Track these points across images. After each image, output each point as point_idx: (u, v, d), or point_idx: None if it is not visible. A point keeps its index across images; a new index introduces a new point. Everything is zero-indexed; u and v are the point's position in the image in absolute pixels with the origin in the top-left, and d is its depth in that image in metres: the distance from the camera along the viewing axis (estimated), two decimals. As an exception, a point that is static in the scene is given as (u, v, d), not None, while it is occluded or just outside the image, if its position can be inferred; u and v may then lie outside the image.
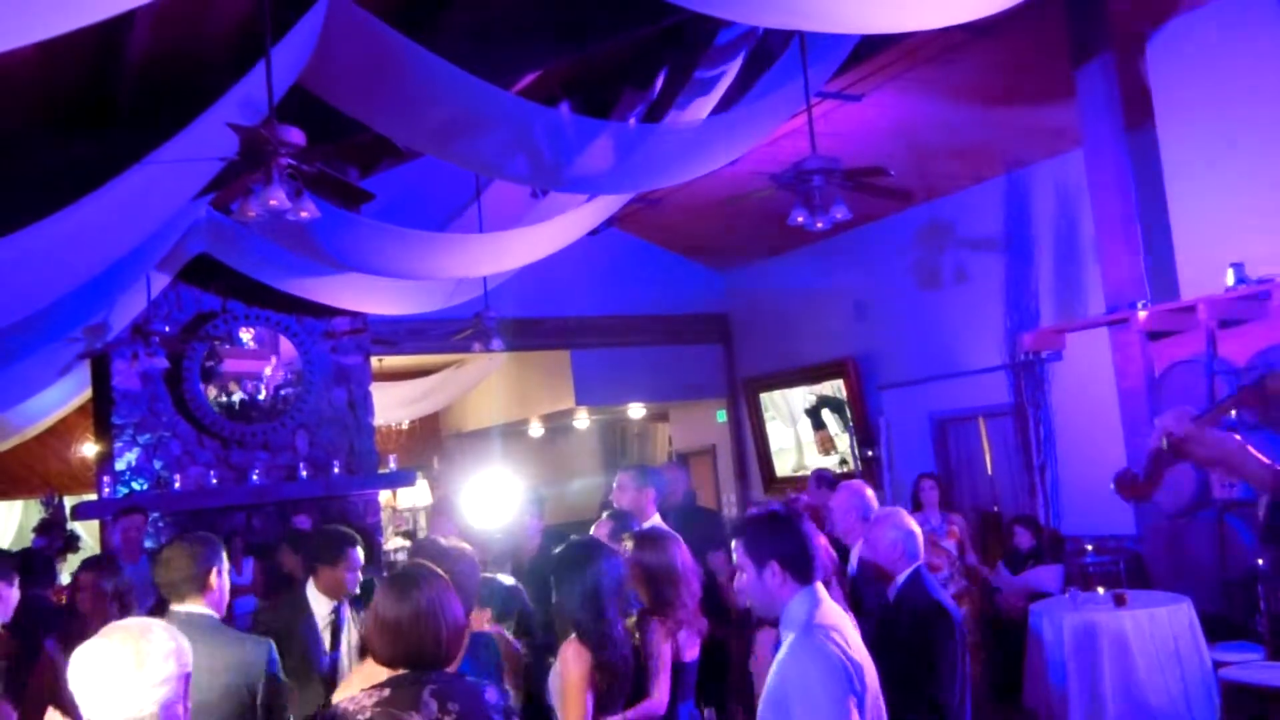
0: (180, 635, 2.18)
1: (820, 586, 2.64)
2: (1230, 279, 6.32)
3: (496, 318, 8.42)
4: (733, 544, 2.71)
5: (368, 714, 2.34)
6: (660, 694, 3.40)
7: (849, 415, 10.67)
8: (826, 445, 11.10)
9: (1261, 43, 6.51)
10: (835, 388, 10.84)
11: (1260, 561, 6.17)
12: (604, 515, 4.48)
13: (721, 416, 12.77)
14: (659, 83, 7.81)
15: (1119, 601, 5.88)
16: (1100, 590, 6.17)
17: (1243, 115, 6.58)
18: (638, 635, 3.40)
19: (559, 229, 7.99)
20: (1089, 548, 7.25)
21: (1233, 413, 1.80)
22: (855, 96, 7.82)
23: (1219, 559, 6.69)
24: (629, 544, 3.59)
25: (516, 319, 10.43)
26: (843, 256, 10.64)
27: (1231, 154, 6.62)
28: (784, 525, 2.65)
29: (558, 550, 3.48)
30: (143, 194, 4.98)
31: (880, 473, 10.00)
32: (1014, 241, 8.77)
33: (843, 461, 10.81)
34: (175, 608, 3.22)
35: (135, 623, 2.24)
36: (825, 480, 7.26)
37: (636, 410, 13.62)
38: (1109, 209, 7.03)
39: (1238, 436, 1.77)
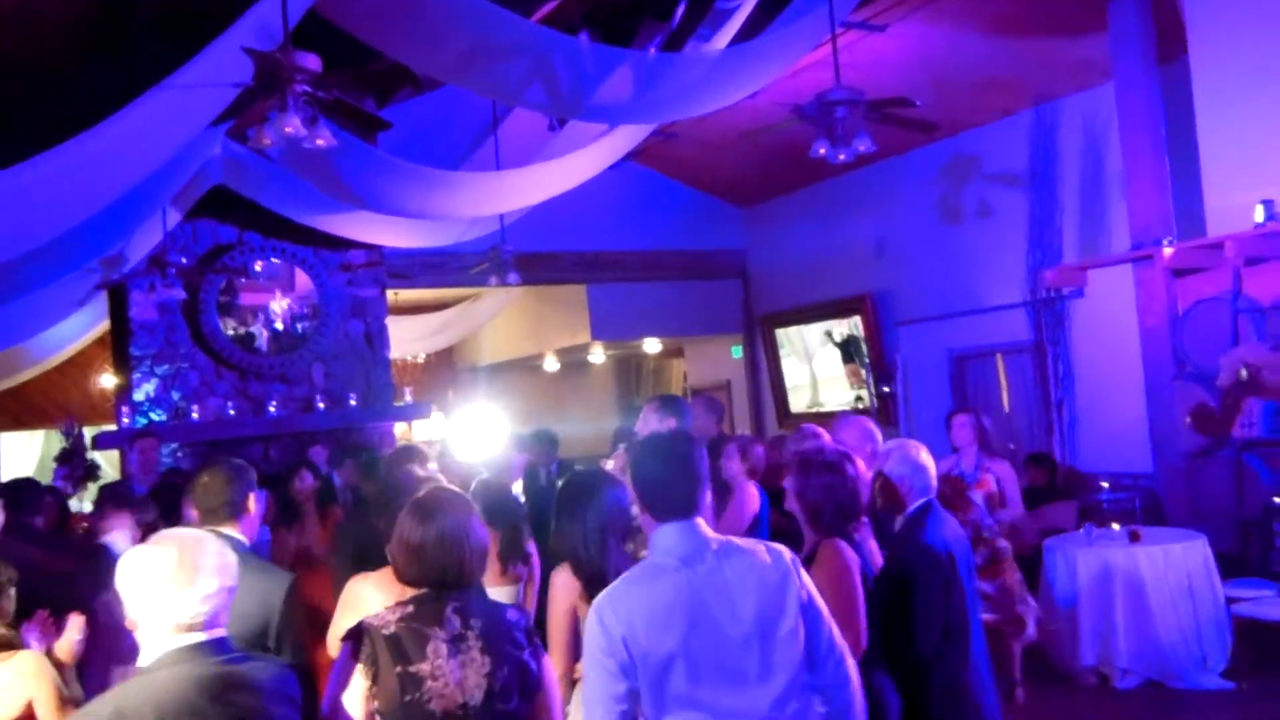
0: (229, 550, 2.25)
1: (696, 525, 2.45)
2: (1260, 215, 6.22)
3: (513, 251, 8.37)
4: None
5: (392, 629, 2.42)
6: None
7: (865, 351, 10.63)
8: (857, 379, 11.03)
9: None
10: (853, 324, 10.79)
11: (1277, 499, 6.17)
12: (621, 448, 4.48)
13: (737, 352, 12.75)
14: (679, 12, 7.67)
15: (1134, 538, 5.89)
16: (1115, 527, 6.17)
17: (1278, 49, 6.41)
18: None
19: (575, 165, 7.90)
20: (1105, 485, 7.25)
21: None
22: (879, 27, 7.65)
23: (1236, 497, 6.68)
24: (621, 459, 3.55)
25: (533, 253, 10.36)
26: (863, 192, 10.53)
27: (1266, 89, 6.46)
28: (655, 456, 2.49)
29: (562, 482, 3.48)
30: (158, 119, 4.93)
31: (896, 410, 9.98)
32: (1039, 177, 8.63)
33: (859, 399, 10.80)
34: (212, 529, 3.25)
35: (189, 533, 2.31)
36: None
37: (652, 345, 13.62)
38: (1138, 144, 6.91)
39: None
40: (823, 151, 5.83)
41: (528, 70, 6.30)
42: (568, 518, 3.27)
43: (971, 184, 9.42)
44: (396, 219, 8.18)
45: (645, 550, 3.40)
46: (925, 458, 3.52)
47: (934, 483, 3.52)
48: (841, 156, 5.85)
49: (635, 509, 2.62)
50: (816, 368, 11.54)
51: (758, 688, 2.36)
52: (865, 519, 3.49)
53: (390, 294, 9.99)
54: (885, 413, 9.97)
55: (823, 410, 11.08)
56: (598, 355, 14.20)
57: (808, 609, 2.46)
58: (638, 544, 3.33)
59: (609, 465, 4.41)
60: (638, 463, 2.52)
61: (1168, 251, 6.50)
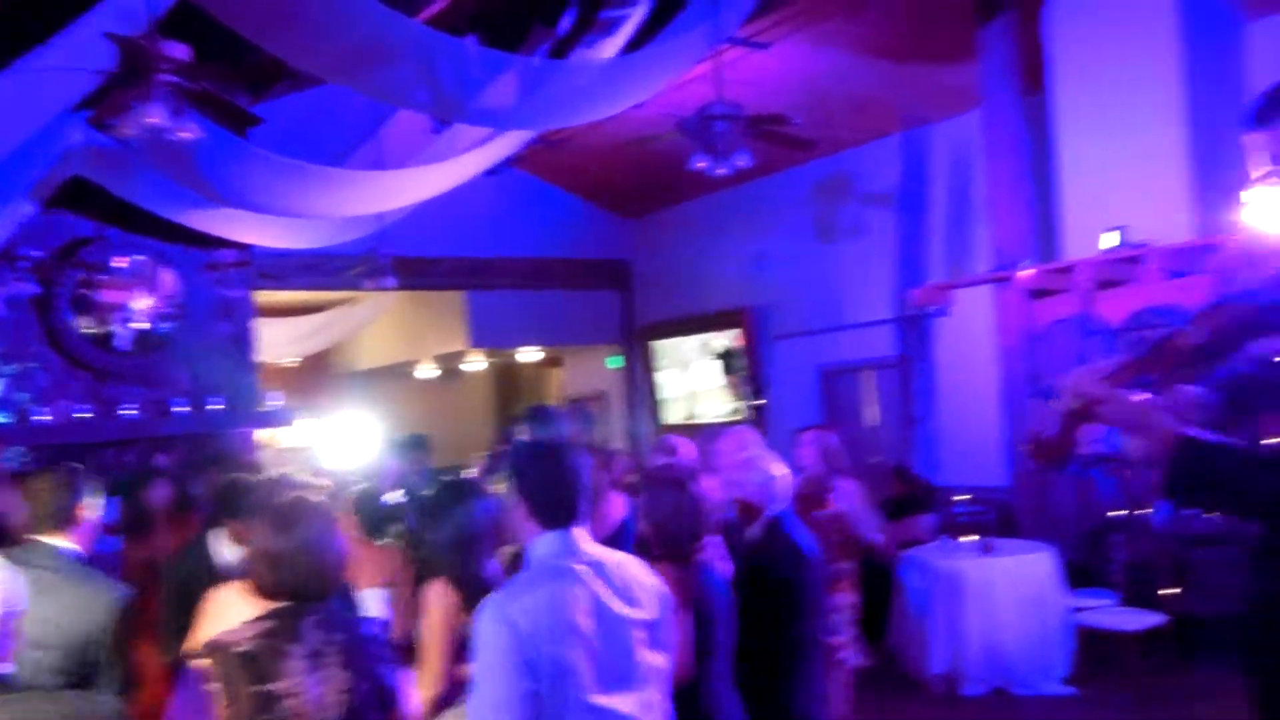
0: (16, 576, 2.10)
1: (578, 534, 2.46)
2: (1109, 242, 6.57)
3: (390, 255, 8.23)
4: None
5: (246, 646, 2.32)
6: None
7: (743, 365, 10.81)
8: (737, 392, 11.17)
9: (1154, 12, 6.72)
10: (731, 337, 10.96)
11: (1122, 513, 6.51)
12: (485, 455, 4.45)
13: (614, 362, 12.80)
14: (567, 20, 7.68)
15: (986, 549, 6.13)
16: (970, 539, 6.41)
17: (1132, 85, 6.79)
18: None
19: (457, 168, 7.82)
20: (962, 498, 7.53)
21: (1138, 372, 1.81)
22: (763, 45, 7.82)
23: (1082, 510, 7.02)
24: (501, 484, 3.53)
25: (411, 257, 10.20)
26: (744, 207, 10.72)
27: (1120, 123, 6.84)
28: (543, 462, 2.49)
29: (429, 491, 3.44)
30: (10, 103, 4.68)
31: (768, 422, 10.18)
32: (908, 198, 8.95)
33: (735, 410, 10.97)
34: (40, 539, 3.08)
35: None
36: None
37: (531, 354, 13.56)
38: (1001, 170, 7.23)
39: (1147, 399, 1.80)
40: (702, 165, 5.94)
41: (411, 71, 6.20)
42: (438, 528, 3.22)
43: (845, 203, 9.70)
44: (268, 217, 7.94)
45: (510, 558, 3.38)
46: (779, 468, 3.61)
47: (787, 497, 3.61)
48: (721, 170, 5.98)
49: (509, 517, 2.57)
50: (695, 380, 11.68)
51: (638, 693, 2.41)
52: (713, 537, 3.53)
53: (262, 295, 9.70)
54: (759, 426, 10.15)
55: (699, 422, 11.21)
56: (476, 363, 14.06)
57: (666, 625, 2.55)
58: (507, 553, 3.31)
59: (472, 473, 4.38)
60: (523, 469, 2.50)
61: (1026, 274, 6.82)
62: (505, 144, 7.94)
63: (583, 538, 2.47)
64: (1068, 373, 1.86)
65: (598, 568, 2.43)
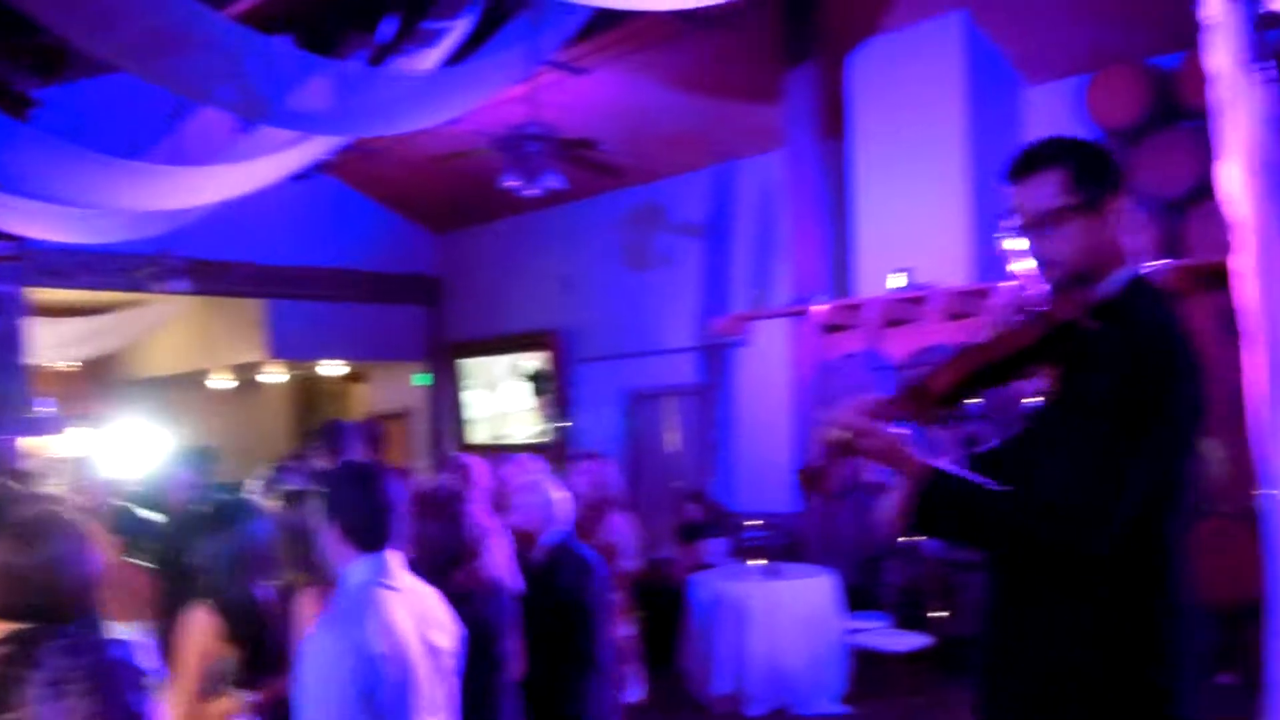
0: None
1: (391, 557, 2.44)
2: (896, 282, 6.96)
3: (184, 257, 7.81)
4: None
5: None
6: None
7: (550, 387, 10.83)
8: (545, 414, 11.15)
9: (944, 72, 7.20)
10: (540, 358, 10.96)
11: (897, 540, 6.86)
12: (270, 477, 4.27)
13: (420, 379, 12.57)
14: (386, 29, 7.55)
15: (771, 573, 6.33)
16: (756, 562, 6.60)
17: (922, 138, 7.24)
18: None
19: (263, 168, 7.52)
20: (753, 523, 7.77)
21: (896, 409, 1.92)
22: (582, 70, 7.90)
23: (861, 536, 7.37)
24: (277, 502, 3.40)
25: (207, 260, 9.72)
26: (556, 229, 10.77)
27: (910, 172, 7.27)
28: (359, 485, 2.43)
29: (203, 508, 3.27)
30: None
31: (572, 445, 10.22)
32: (715, 231, 9.22)
33: (541, 433, 10.95)
34: None
35: None
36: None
37: (333, 368, 13.14)
38: (801, 209, 7.55)
39: (900, 435, 1.91)
40: (513, 184, 5.94)
41: (215, 66, 5.93)
42: (205, 548, 3.05)
43: (655, 232, 9.90)
44: (46, 207, 7.40)
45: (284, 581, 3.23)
46: (558, 493, 3.63)
47: (567, 520, 3.64)
48: (531, 191, 6.00)
49: (321, 540, 2.48)
50: (503, 400, 11.60)
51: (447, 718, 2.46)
52: (483, 558, 3.49)
53: (40, 293, 9.02)
54: (564, 448, 10.17)
55: (506, 443, 11.13)
56: (275, 375, 13.51)
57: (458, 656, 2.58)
58: (290, 579, 3.16)
59: (253, 489, 4.19)
60: (339, 491, 2.44)
61: (819, 309, 7.13)
62: (315, 148, 7.70)
63: (396, 562, 2.43)
64: (833, 406, 1.95)
65: (412, 594, 2.43)
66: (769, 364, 8.48)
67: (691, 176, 9.49)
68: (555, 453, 9.71)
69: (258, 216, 9.87)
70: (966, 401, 1.96)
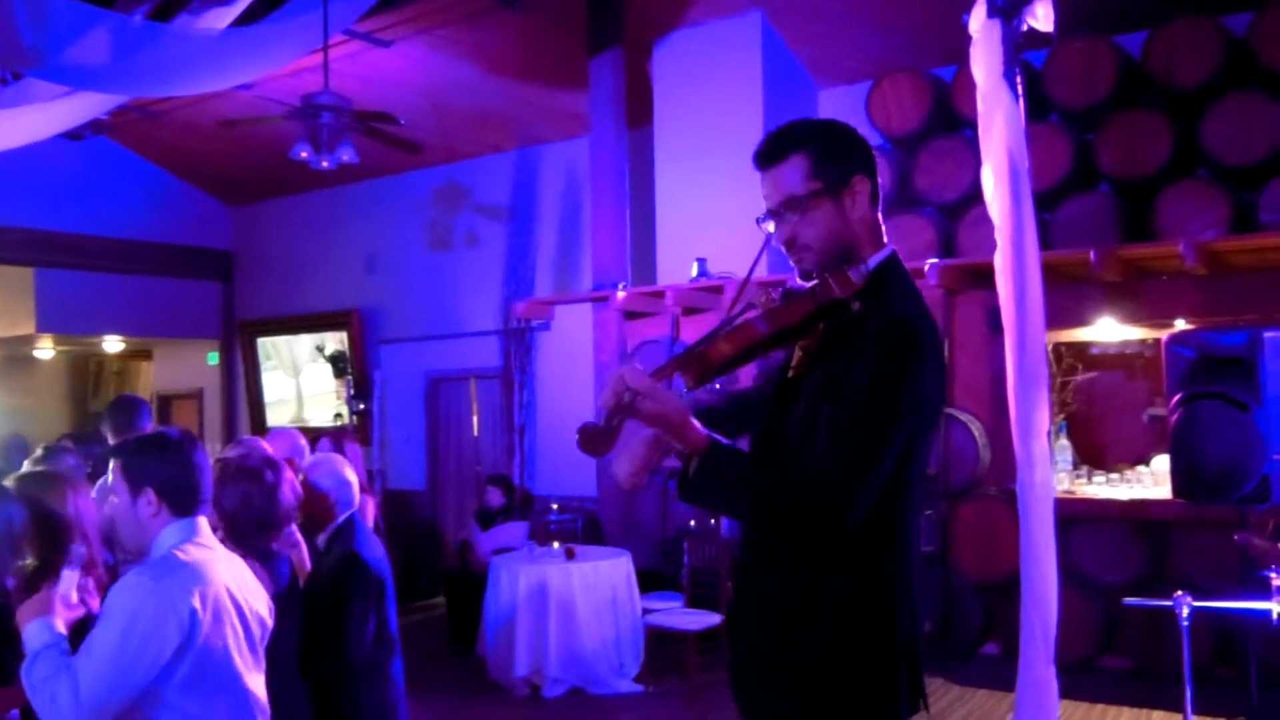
0: None
1: (203, 521, 2.49)
2: (694, 271, 7.12)
3: (-64, 217, 7.15)
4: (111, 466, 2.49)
5: None
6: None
7: (349, 368, 10.53)
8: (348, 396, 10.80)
9: (742, 69, 7.40)
10: (338, 339, 10.63)
11: (692, 522, 7.04)
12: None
13: (213, 359, 11.97)
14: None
15: (569, 555, 6.38)
16: (556, 545, 6.64)
17: (722, 128, 7.42)
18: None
19: (25, 123, 6.97)
20: (554, 506, 7.80)
21: (676, 375, 1.93)
22: (384, 42, 7.69)
23: (660, 519, 7.52)
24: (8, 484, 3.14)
25: (-35, 222, 8.98)
26: (358, 206, 10.48)
27: (710, 161, 7.43)
28: (169, 449, 2.45)
29: None
30: None
31: (371, 428, 9.97)
32: (520, 214, 9.18)
33: (338, 415, 10.63)
34: None
35: None
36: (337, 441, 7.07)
37: (114, 344, 12.33)
38: (604, 196, 7.61)
39: (683, 400, 1.92)
40: (305, 155, 5.72)
41: (-27, 11, 5.45)
42: None
43: (461, 212, 9.76)
44: None
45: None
46: (350, 473, 3.54)
47: (357, 497, 3.56)
48: (325, 163, 5.79)
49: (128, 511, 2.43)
50: (304, 382, 11.19)
51: (255, 679, 2.48)
52: (293, 529, 3.41)
53: None
54: (363, 430, 9.91)
55: (306, 426, 10.73)
56: (46, 350, 12.56)
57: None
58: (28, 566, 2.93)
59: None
60: (151, 457, 2.44)
61: (621, 295, 7.22)
62: (89, 103, 7.20)
63: (206, 526, 2.49)
64: (620, 369, 1.95)
65: (226, 557, 2.50)
66: (571, 349, 8.52)
67: (497, 158, 9.41)
68: (355, 435, 9.46)
69: (27, 177, 9.16)
70: (726, 372, 2.01)
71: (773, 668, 1.92)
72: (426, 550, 9.49)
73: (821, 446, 1.82)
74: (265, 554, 3.01)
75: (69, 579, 2.52)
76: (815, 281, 1.91)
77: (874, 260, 1.95)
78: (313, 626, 3.25)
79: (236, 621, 2.40)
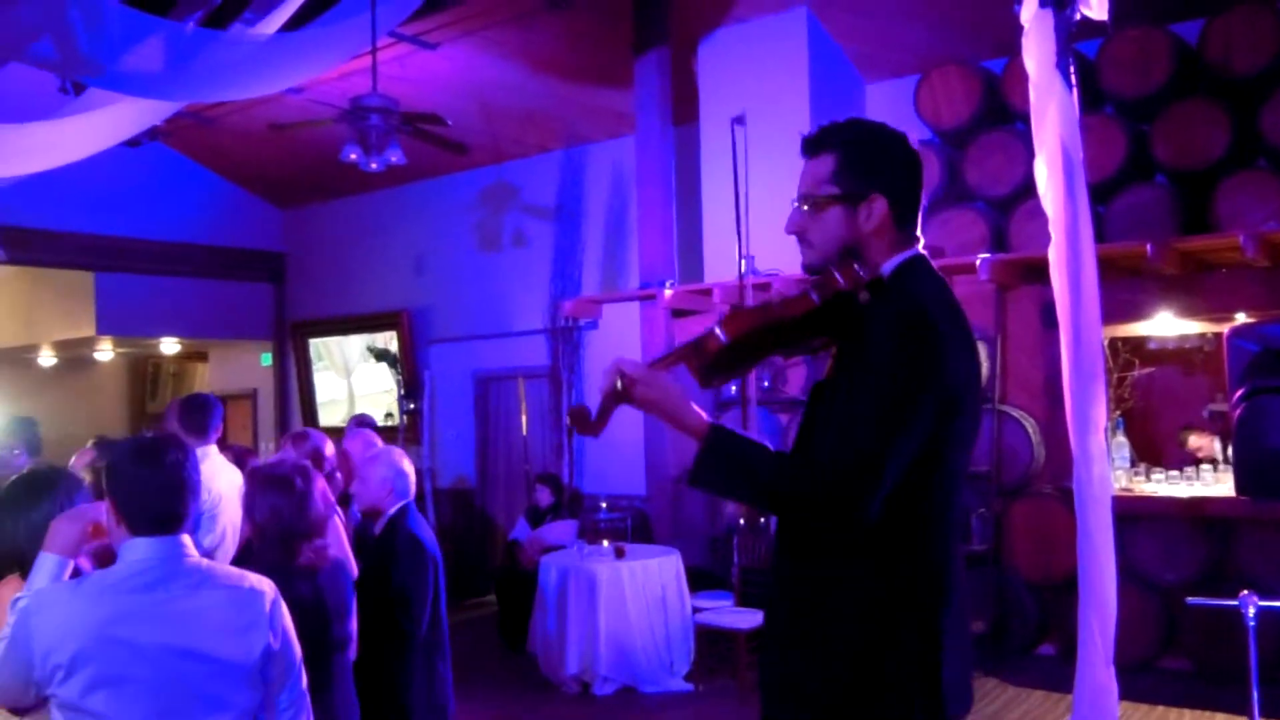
0: None
1: (178, 541, 2.20)
2: (742, 268, 7.08)
3: (2, 225, 7.34)
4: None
5: None
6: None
7: (399, 368, 10.63)
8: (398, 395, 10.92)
9: (789, 64, 7.35)
10: (388, 339, 10.74)
11: (741, 520, 7.01)
12: (89, 443, 4.09)
13: (266, 359, 12.15)
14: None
15: (619, 554, 6.39)
16: (605, 544, 6.66)
17: (769, 128, 7.37)
18: None
19: (86, 133, 7.12)
20: (603, 505, 7.81)
21: (678, 362, 1.94)
22: (430, 45, 7.75)
23: (709, 518, 7.50)
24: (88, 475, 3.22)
25: (28, 229, 9.19)
26: (407, 207, 10.57)
27: (756, 160, 7.38)
28: (138, 459, 2.21)
29: (18, 478, 3.07)
30: None
31: (421, 426, 10.06)
32: (567, 213, 9.19)
33: (388, 414, 10.73)
34: None
35: None
36: (367, 424, 7.15)
37: (171, 346, 12.57)
38: (651, 195, 7.60)
39: (683, 389, 1.93)
40: (354, 157, 5.78)
41: (35, 21, 5.59)
42: (12, 516, 2.87)
43: (509, 212, 9.81)
44: None
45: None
46: (407, 464, 3.62)
47: (414, 488, 3.62)
48: (373, 165, 5.85)
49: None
50: (355, 382, 11.32)
51: None
52: (337, 528, 3.45)
53: None
54: (412, 430, 10.01)
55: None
56: (105, 352, 12.84)
57: (275, 659, 2.28)
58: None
59: (75, 462, 3.98)
60: (117, 467, 2.22)
61: (668, 293, 7.21)
62: (146, 112, 7.34)
63: (181, 548, 2.21)
64: (617, 356, 1.97)
65: (191, 585, 2.18)
66: (619, 346, 8.50)
67: (543, 158, 9.44)
68: (405, 434, 9.56)
69: (87, 184, 9.36)
70: (745, 364, 2.01)
71: (798, 661, 1.90)
72: (477, 548, 9.56)
73: (833, 435, 1.81)
74: (285, 570, 2.90)
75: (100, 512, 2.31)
76: (829, 270, 1.91)
77: (892, 262, 1.95)
78: (376, 603, 3.30)
79: (149, 663, 2.11)
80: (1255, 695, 2.89)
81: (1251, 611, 2.77)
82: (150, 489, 2.17)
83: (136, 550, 2.16)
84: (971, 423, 1.95)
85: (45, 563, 2.21)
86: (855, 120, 2.04)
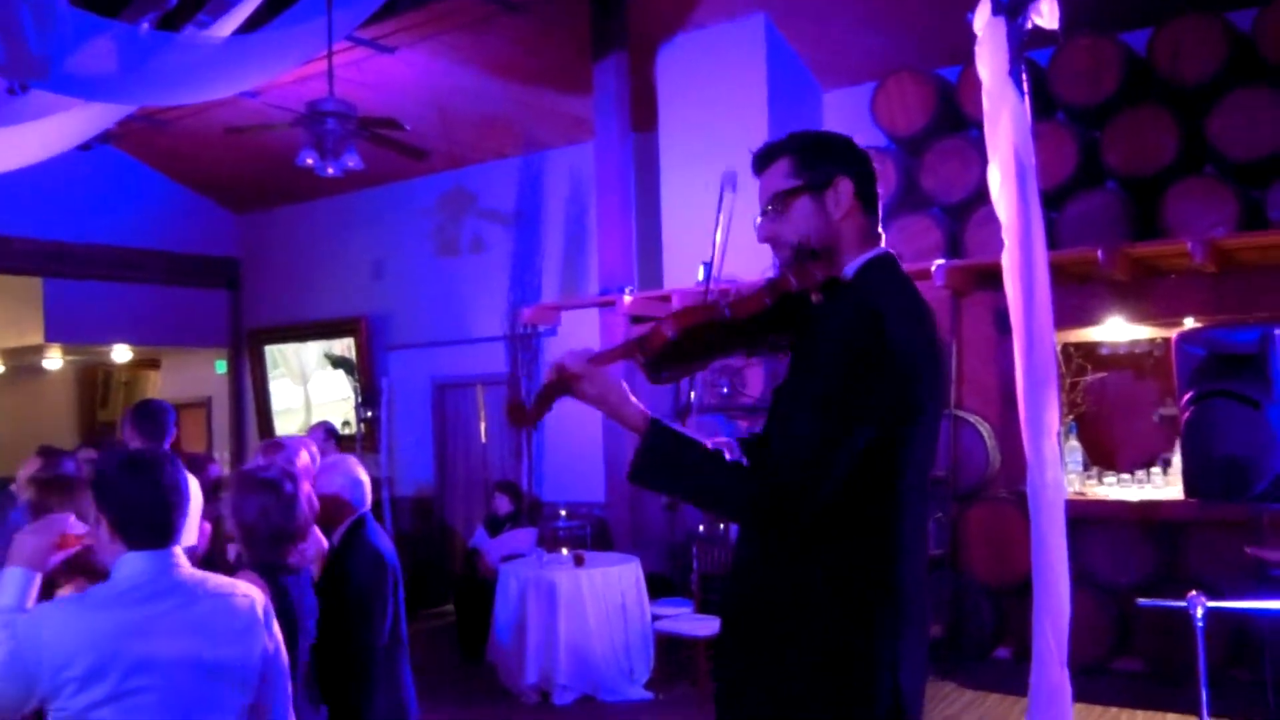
0: None
1: (166, 555, 2.21)
2: (700, 275, 7.08)
3: (-56, 228, 7.18)
4: None
5: None
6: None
7: (357, 375, 10.53)
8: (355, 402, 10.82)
9: (747, 72, 7.38)
10: (346, 346, 10.64)
11: (701, 527, 7.02)
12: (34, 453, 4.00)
13: (221, 367, 11.99)
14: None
15: (578, 561, 6.36)
16: (564, 551, 6.63)
17: (727, 130, 7.40)
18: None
19: (36, 138, 6.99)
20: (562, 512, 7.78)
21: (621, 356, 1.95)
22: (388, 49, 7.70)
23: (669, 525, 7.49)
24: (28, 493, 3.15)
25: (-27, 233, 9.01)
26: (364, 213, 10.49)
27: (715, 164, 7.38)
28: (132, 472, 2.21)
29: None
30: None
31: (380, 434, 9.97)
32: (526, 219, 9.17)
33: (345, 422, 10.63)
34: None
35: None
36: (330, 432, 7.09)
37: (123, 353, 12.36)
38: (610, 201, 7.60)
39: (625, 384, 1.92)
40: (310, 161, 5.73)
41: (-16, 24, 5.49)
42: None
43: (467, 218, 9.77)
44: None
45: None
46: (363, 473, 3.58)
47: (369, 497, 3.59)
48: (330, 169, 5.79)
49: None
50: (312, 390, 11.19)
51: None
52: (316, 536, 3.41)
53: None
54: (370, 437, 9.92)
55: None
56: (54, 360, 12.60)
57: (271, 662, 2.34)
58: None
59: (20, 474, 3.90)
60: (107, 479, 2.22)
61: (627, 299, 7.20)
62: (98, 115, 7.23)
63: (174, 560, 2.23)
64: (560, 352, 1.97)
65: (188, 596, 2.21)
66: (578, 354, 8.50)
67: (502, 164, 9.40)
68: (363, 442, 9.47)
69: (35, 188, 9.19)
70: (698, 361, 2.02)
71: (754, 670, 1.90)
72: (435, 557, 9.48)
73: (779, 435, 1.83)
74: (274, 569, 2.94)
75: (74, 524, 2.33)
76: (784, 271, 1.92)
77: (856, 261, 1.95)
78: (329, 621, 3.26)
79: (163, 675, 2.14)
80: (1205, 695, 2.93)
81: (1200, 612, 2.81)
82: (145, 502, 2.18)
83: (135, 563, 2.18)
84: (929, 429, 1.93)
85: (12, 576, 2.18)
86: (794, 131, 2.07)
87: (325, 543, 3.53)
